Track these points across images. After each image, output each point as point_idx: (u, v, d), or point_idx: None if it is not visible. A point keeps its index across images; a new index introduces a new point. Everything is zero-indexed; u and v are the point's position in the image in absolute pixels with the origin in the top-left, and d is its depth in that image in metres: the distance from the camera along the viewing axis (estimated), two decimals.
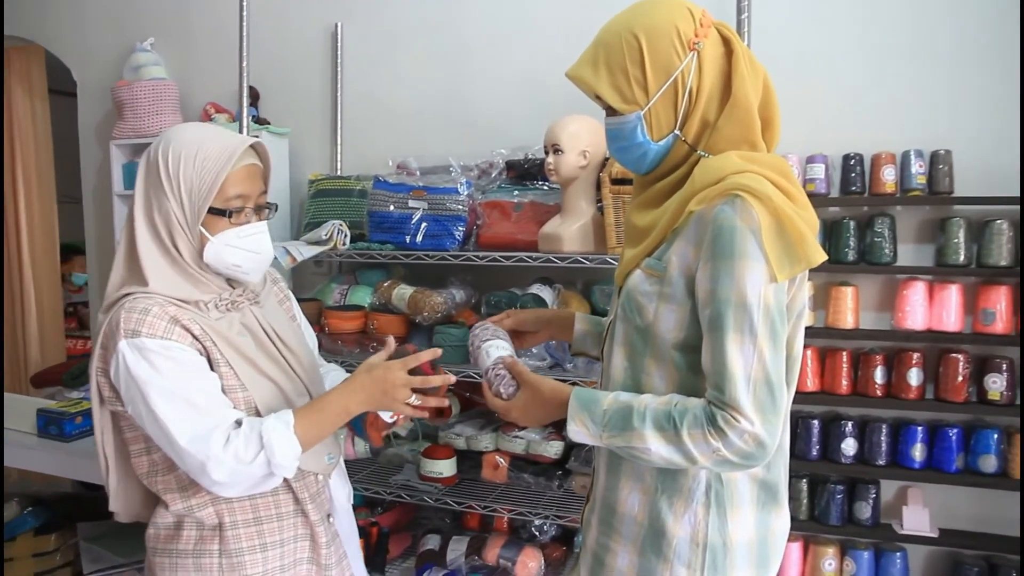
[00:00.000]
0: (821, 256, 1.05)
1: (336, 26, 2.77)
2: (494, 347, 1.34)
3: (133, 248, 1.27)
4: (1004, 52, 2.14)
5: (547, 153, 2.14)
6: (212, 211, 1.26)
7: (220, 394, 1.25)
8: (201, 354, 1.25)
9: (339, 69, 2.78)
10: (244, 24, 2.37)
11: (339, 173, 2.80)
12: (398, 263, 2.56)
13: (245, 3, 2.38)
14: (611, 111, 1.19)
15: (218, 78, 2.99)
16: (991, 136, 2.16)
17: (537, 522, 2.33)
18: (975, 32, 2.16)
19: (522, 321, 1.48)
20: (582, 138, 2.10)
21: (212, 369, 1.25)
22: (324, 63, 2.82)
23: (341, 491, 1.50)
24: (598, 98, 1.19)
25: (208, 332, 1.26)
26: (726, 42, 1.15)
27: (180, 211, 1.26)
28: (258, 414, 1.28)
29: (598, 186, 2.19)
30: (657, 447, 1.07)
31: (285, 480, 1.28)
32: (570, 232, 2.13)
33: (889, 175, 2.21)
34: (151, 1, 3.08)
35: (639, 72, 1.13)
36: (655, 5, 1.15)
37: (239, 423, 1.22)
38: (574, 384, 1.23)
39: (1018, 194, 2.10)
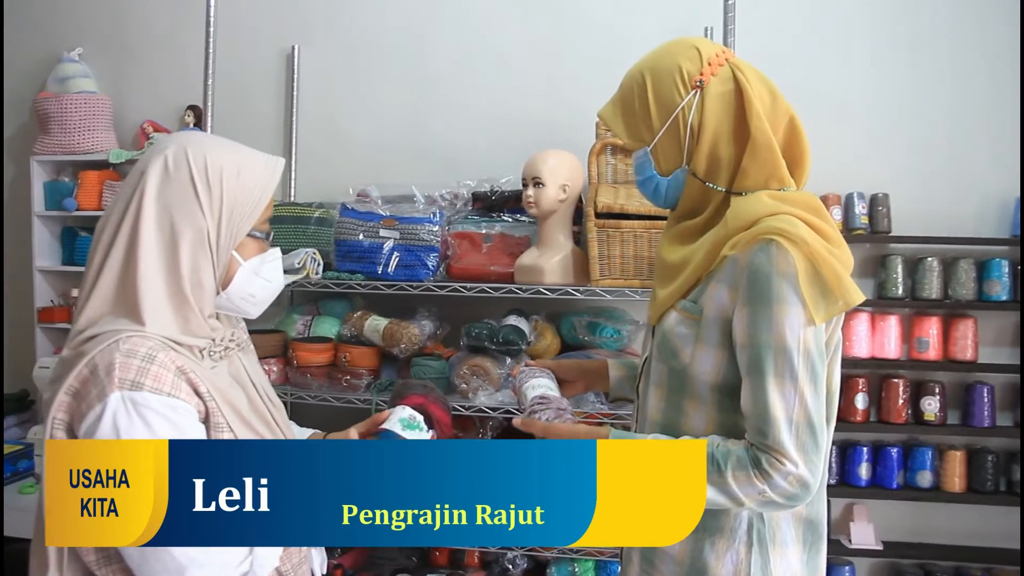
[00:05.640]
0: (859, 296, 1.07)
1: (293, 48, 2.69)
2: (530, 388, 1.36)
3: (132, 275, 1.05)
4: (936, 108, 2.41)
5: (526, 186, 2.16)
6: (248, 234, 1.14)
7: None
8: (201, 417, 1.06)
9: (295, 93, 2.69)
10: (211, 40, 2.26)
11: (292, 199, 2.70)
12: (358, 293, 2.49)
13: (211, 18, 2.26)
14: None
15: (155, 94, 2.83)
16: (923, 182, 2.41)
17: (510, 555, 2.31)
18: (912, 90, 2.42)
19: (561, 369, 1.46)
20: (562, 172, 2.15)
21: (210, 433, 1.07)
22: (279, 86, 2.73)
23: (316, 558, 1.31)
24: None
25: (210, 388, 1.07)
26: (736, 80, 1.17)
27: (215, 231, 1.09)
28: None
29: (574, 220, 2.24)
30: None
31: None
32: (551, 264, 2.16)
33: (836, 215, 2.40)
34: (79, 8, 2.87)
35: (644, 110, 1.18)
36: (666, 47, 1.21)
37: None
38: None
39: (946, 235, 2.35)
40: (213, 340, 1.11)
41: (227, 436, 1.07)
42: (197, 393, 1.04)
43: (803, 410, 1.04)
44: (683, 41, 1.21)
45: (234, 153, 1.13)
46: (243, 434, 1.09)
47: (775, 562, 1.14)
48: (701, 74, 1.16)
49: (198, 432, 1.04)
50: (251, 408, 1.15)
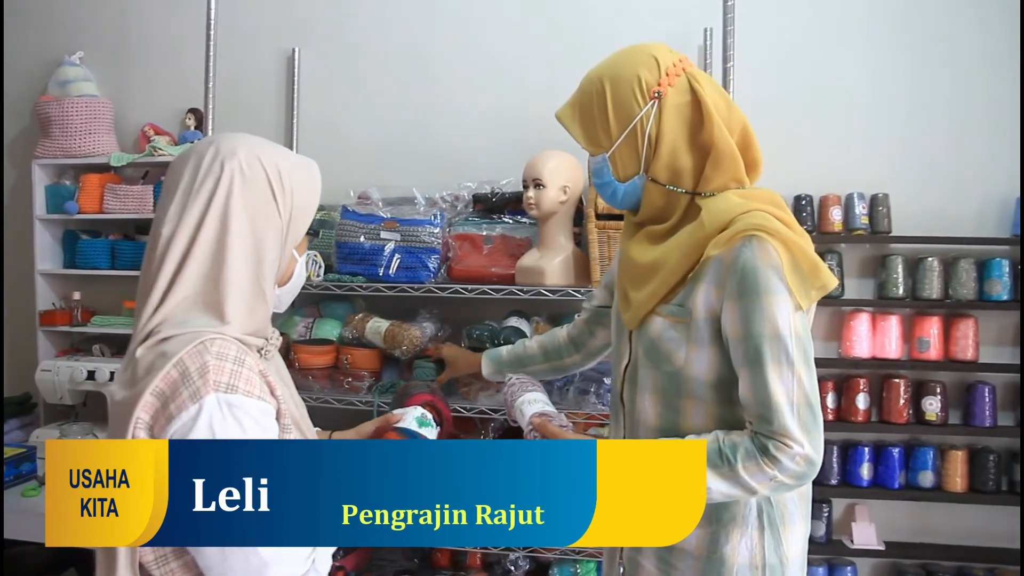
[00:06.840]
0: (833, 279, 1.14)
1: (293, 51, 2.70)
2: (526, 403, 1.40)
3: (219, 277, 1.04)
4: (935, 108, 2.41)
5: (526, 187, 2.17)
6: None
7: None
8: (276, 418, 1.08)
9: (295, 95, 2.70)
10: (211, 43, 2.26)
11: None
12: (359, 295, 2.50)
13: (211, 21, 2.26)
14: None
15: (155, 98, 2.83)
16: (923, 182, 2.41)
17: (512, 556, 2.31)
18: (912, 90, 2.42)
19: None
20: (562, 173, 2.15)
21: (281, 433, 1.08)
22: (279, 88, 2.73)
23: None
24: None
25: (279, 389, 1.08)
26: (693, 91, 1.19)
27: (286, 232, 1.12)
28: None
29: (575, 221, 2.25)
30: (716, 485, 1.10)
31: None
32: (552, 265, 2.16)
33: (836, 215, 2.40)
34: (79, 12, 2.87)
35: (603, 118, 1.21)
36: (625, 54, 1.23)
37: None
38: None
39: (946, 234, 2.35)
40: (267, 339, 1.13)
41: (292, 436, 1.08)
42: (273, 394, 1.06)
43: (801, 391, 1.10)
44: (642, 49, 1.23)
45: (291, 156, 1.16)
46: (295, 434, 1.11)
47: (786, 540, 1.20)
48: (659, 84, 1.18)
49: (276, 433, 1.06)
50: (295, 404, 1.17)
